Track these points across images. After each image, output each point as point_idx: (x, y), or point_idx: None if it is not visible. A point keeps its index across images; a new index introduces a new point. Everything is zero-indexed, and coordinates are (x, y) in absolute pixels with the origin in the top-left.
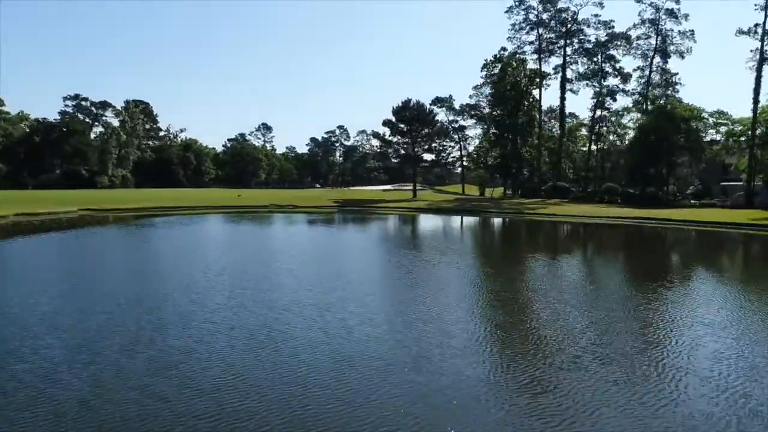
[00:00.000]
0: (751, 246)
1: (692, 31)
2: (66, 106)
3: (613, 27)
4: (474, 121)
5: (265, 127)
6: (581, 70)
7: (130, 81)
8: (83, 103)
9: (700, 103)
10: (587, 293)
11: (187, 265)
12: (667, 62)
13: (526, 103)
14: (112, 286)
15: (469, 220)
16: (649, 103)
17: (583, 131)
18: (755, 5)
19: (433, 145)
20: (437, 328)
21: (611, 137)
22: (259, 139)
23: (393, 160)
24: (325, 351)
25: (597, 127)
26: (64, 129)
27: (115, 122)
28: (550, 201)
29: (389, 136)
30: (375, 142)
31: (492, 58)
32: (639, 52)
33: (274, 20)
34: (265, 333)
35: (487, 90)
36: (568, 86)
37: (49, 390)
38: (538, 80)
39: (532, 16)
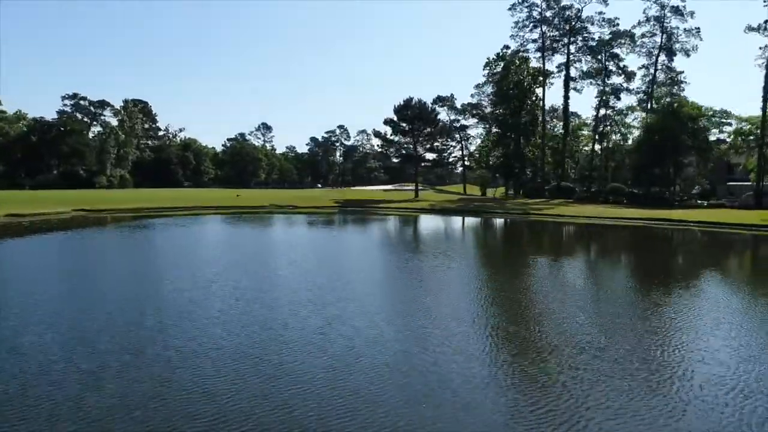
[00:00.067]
0: None
1: (698, 28)
2: (64, 105)
3: (617, 25)
4: (476, 120)
5: (265, 127)
6: (585, 68)
7: (130, 81)
8: (82, 102)
9: (701, 102)
10: (620, 304)
11: (174, 273)
12: (672, 60)
13: (529, 101)
14: (80, 299)
15: (476, 221)
16: (654, 102)
17: (585, 131)
18: (764, 1)
19: (435, 144)
20: (459, 350)
21: (615, 137)
22: (259, 138)
23: (394, 159)
24: (327, 383)
25: (601, 126)
26: (62, 128)
27: (114, 122)
28: (555, 201)
29: (391, 135)
30: (376, 142)
31: (495, 57)
32: (644, 50)
33: (274, 20)
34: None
35: (489, 89)
36: (571, 85)
37: None
38: (541, 79)
39: (535, 14)
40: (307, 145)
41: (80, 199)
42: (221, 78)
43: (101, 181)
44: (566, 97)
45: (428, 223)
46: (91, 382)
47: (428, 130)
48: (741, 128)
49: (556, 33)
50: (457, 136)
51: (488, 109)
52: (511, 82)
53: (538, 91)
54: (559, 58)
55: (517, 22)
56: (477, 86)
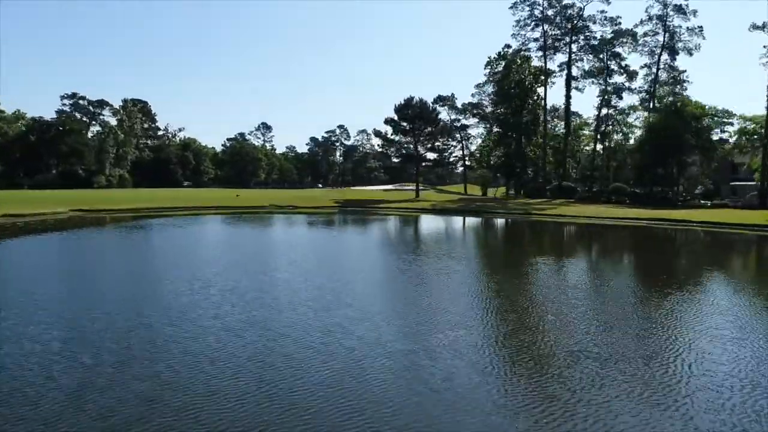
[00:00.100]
0: None
1: (701, 27)
2: (63, 105)
3: (619, 24)
4: (476, 119)
5: (265, 127)
6: (587, 67)
7: (129, 80)
8: (81, 102)
9: (702, 102)
10: (636, 310)
11: (170, 275)
12: (675, 59)
13: (530, 101)
14: (61, 306)
15: (478, 222)
16: (656, 101)
17: (586, 131)
18: None
19: (436, 144)
20: (469, 361)
21: (616, 136)
22: (259, 138)
23: (395, 159)
24: (330, 391)
25: (604, 126)
26: (61, 128)
27: (113, 121)
28: (556, 201)
29: (391, 134)
30: (376, 142)
31: (496, 56)
32: (646, 49)
33: (274, 20)
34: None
35: (490, 88)
36: (573, 84)
37: None
38: (543, 78)
39: (537, 12)
40: (307, 145)
41: (78, 199)
42: (221, 78)
43: (100, 180)
44: (568, 96)
45: (430, 223)
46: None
47: (429, 129)
48: (745, 127)
49: (558, 32)
50: (457, 135)
51: (489, 109)
52: (513, 81)
53: (540, 90)
54: (561, 57)
55: (518, 21)
56: (478, 86)
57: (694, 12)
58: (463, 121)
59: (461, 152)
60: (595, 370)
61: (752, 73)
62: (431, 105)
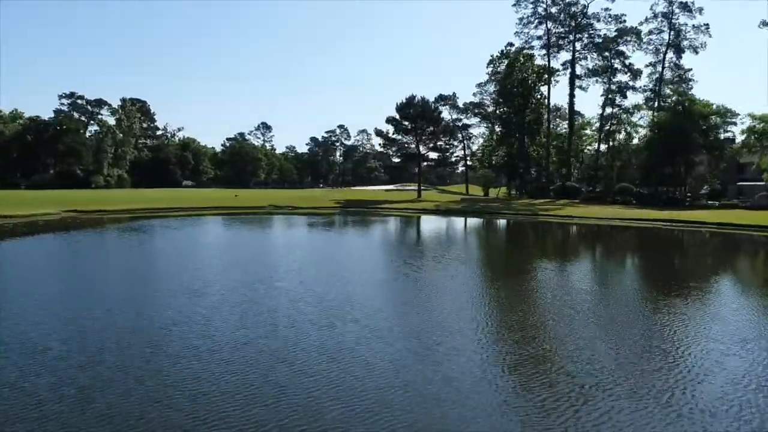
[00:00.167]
0: None
1: (707, 24)
2: (62, 104)
3: (624, 21)
4: (478, 119)
5: (265, 127)
6: (590, 66)
7: (129, 80)
8: (79, 101)
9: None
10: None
11: (154, 286)
12: (681, 58)
13: (533, 100)
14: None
15: (485, 223)
16: (661, 100)
17: (588, 131)
18: None
19: (439, 143)
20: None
21: (620, 136)
22: (259, 138)
23: (395, 159)
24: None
25: (609, 125)
26: (58, 127)
27: (112, 121)
28: (561, 202)
29: (393, 134)
30: (376, 141)
31: (498, 54)
32: (651, 47)
33: (274, 20)
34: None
35: (492, 87)
36: (577, 83)
37: None
38: (546, 76)
39: (540, 10)
40: (307, 144)
41: (73, 199)
42: (221, 78)
43: (98, 180)
44: (571, 95)
45: (435, 224)
46: None
47: (431, 128)
48: (754, 126)
49: (562, 29)
50: (459, 135)
51: (490, 108)
52: (516, 80)
53: (543, 89)
54: (564, 56)
55: (521, 19)
56: (479, 85)
57: (700, 9)
58: (465, 121)
59: (463, 152)
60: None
61: (752, 73)
62: (433, 104)
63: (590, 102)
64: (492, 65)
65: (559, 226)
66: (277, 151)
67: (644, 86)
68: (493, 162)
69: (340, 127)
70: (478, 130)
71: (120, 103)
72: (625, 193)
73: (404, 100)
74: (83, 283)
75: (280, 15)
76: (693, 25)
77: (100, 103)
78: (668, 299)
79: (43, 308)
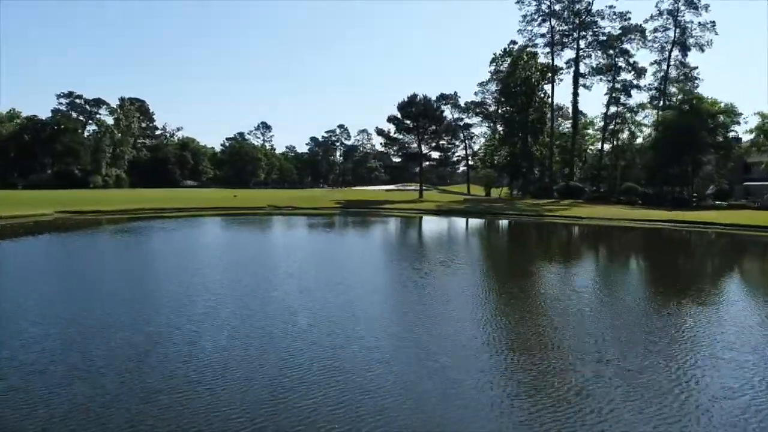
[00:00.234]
0: None
1: (713, 22)
2: (60, 103)
3: (629, 19)
4: (480, 119)
5: (265, 126)
6: (595, 64)
7: (128, 80)
8: (77, 101)
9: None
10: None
11: (137, 295)
12: (686, 56)
13: (536, 98)
14: None
15: (491, 224)
16: (666, 99)
17: (590, 131)
18: None
19: (441, 142)
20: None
21: (624, 135)
22: (258, 138)
23: (395, 159)
24: None
25: (613, 124)
26: (56, 127)
27: (110, 120)
28: (565, 202)
29: (394, 133)
30: (377, 141)
31: (501, 52)
32: (656, 45)
33: (274, 20)
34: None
35: (493, 86)
36: (581, 81)
37: None
38: (549, 75)
39: (544, 7)
40: (306, 144)
41: (69, 199)
42: (221, 77)
43: (96, 180)
44: (575, 94)
45: (438, 225)
46: None
47: (433, 127)
48: (764, 125)
49: (566, 27)
50: (461, 135)
51: (492, 108)
52: (519, 79)
53: (547, 87)
54: (568, 54)
55: (524, 16)
56: (481, 84)
57: (706, 7)
58: (466, 120)
59: (464, 152)
60: None
61: (752, 73)
62: (435, 102)
63: (594, 101)
64: (495, 63)
65: (567, 227)
66: (277, 151)
67: (649, 85)
68: (496, 162)
69: (340, 126)
70: (480, 130)
71: (118, 103)
72: (630, 193)
73: (406, 99)
74: (54, 293)
75: (280, 15)
76: (699, 23)
77: (98, 102)
78: (709, 308)
79: (43, 315)
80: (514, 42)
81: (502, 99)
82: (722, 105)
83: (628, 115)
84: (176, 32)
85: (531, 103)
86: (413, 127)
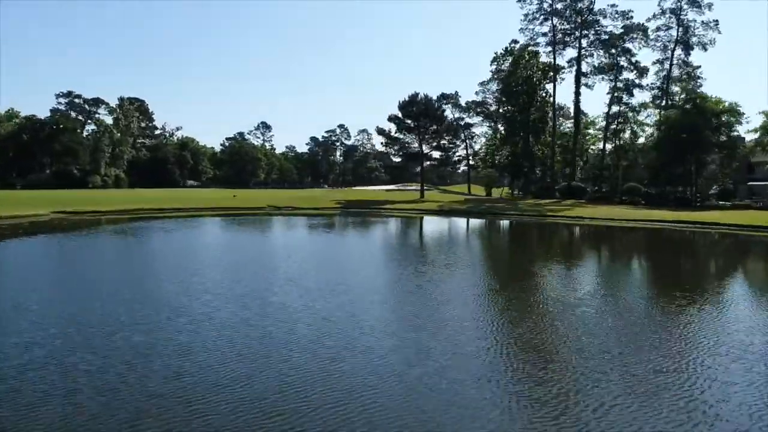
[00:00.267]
0: None
1: (716, 21)
2: (59, 103)
3: (631, 17)
4: (481, 118)
5: (264, 126)
6: (597, 63)
7: (128, 80)
8: (76, 100)
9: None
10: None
11: (127, 299)
12: (689, 55)
13: (538, 98)
14: None
15: (494, 225)
16: (668, 98)
17: (591, 131)
18: None
19: (442, 142)
20: None
21: (625, 134)
22: (258, 138)
23: (395, 159)
24: None
25: (616, 123)
26: (54, 126)
27: (109, 120)
28: (567, 202)
29: (395, 132)
30: (377, 141)
31: (503, 51)
32: (659, 44)
33: (274, 20)
34: None
35: (494, 86)
36: (582, 80)
37: None
38: (551, 74)
39: (546, 6)
40: (307, 144)
41: (67, 200)
42: (220, 77)
43: (95, 180)
44: (577, 93)
45: (441, 226)
46: None
47: (434, 127)
48: None
49: (568, 26)
50: (461, 134)
51: (493, 107)
52: (520, 78)
53: (548, 86)
54: (570, 53)
55: (526, 15)
56: (482, 83)
57: (709, 5)
58: (467, 120)
59: (465, 151)
60: None
61: (752, 73)
62: (436, 102)
63: (595, 100)
64: (496, 63)
65: (572, 227)
66: (277, 151)
67: (651, 84)
68: (497, 161)
69: (340, 126)
70: (481, 129)
71: (118, 102)
72: (633, 193)
73: (407, 98)
74: (36, 300)
75: (280, 15)
76: (702, 21)
77: (97, 102)
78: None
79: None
80: (515, 41)
81: (503, 98)
82: (726, 104)
83: (630, 114)
84: (176, 32)
85: (533, 102)
86: (414, 126)
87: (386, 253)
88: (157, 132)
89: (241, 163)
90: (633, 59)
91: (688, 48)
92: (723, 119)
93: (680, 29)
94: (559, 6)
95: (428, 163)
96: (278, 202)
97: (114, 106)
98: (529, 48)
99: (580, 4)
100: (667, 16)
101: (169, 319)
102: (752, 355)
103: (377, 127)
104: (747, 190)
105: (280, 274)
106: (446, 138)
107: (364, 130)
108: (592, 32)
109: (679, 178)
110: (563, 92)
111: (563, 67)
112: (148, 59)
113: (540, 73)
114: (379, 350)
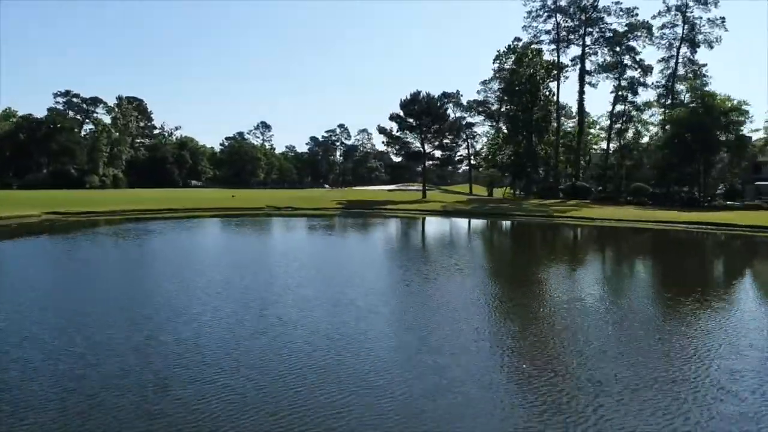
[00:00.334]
0: None
1: (722, 18)
2: (57, 102)
3: (636, 14)
4: (482, 117)
5: (264, 126)
6: (601, 61)
7: (128, 80)
8: (74, 99)
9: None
10: None
11: (107, 311)
12: (695, 52)
13: (542, 96)
14: None
15: (501, 226)
16: (673, 97)
17: (593, 130)
18: None
19: (444, 141)
20: None
21: (629, 134)
22: (258, 138)
23: (396, 158)
24: None
25: (621, 122)
26: (51, 126)
27: (107, 119)
28: (571, 202)
29: (397, 131)
30: (377, 141)
31: (505, 49)
32: (664, 42)
33: (274, 20)
34: None
35: (496, 85)
36: (586, 79)
37: None
38: (555, 72)
39: (549, 3)
40: (306, 144)
41: (62, 200)
42: (220, 77)
43: (93, 180)
44: (581, 92)
45: (446, 228)
46: None
47: (436, 126)
48: None
49: (571, 24)
50: (463, 134)
51: (495, 106)
52: (523, 76)
53: (552, 85)
54: (574, 51)
55: (530, 12)
56: (483, 82)
57: (716, 2)
58: (468, 119)
59: (466, 151)
60: None
61: (752, 73)
62: (439, 100)
63: (598, 100)
64: (498, 61)
65: (584, 229)
66: (277, 151)
67: (656, 82)
68: (499, 161)
69: (341, 126)
70: (482, 129)
71: (116, 102)
72: (639, 193)
73: (409, 96)
74: (37, 305)
75: (280, 15)
76: (708, 19)
77: (95, 101)
78: None
79: None
80: (518, 39)
81: (506, 97)
82: (735, 102)
83: (635, 113)
84: (176, 32)
85: (536, 101)
86: (416, 125)
87: (388, 256)
88: (156, 132)
89: (240, 163)
90: (637, 57)
91: (694, 46)
92: (732, 118)
93: (686, 27)
94: (563, 3)
95: (430, 162)
96: (278, 203)
97: (112, 106)
98: (533, 46)
99: (584, 1)
100: (672, 13)
101: (136, 349)
102: None
103: (378, 125)
104: (754, 189)
105: (277, 283)
106: (448, 137)
107: (364, 130)
108: (597, 30)
109: (686, 177)
110: (566, 91)
111: (567, 66)
112: (148, 59)
113: (543, 71)
114: (399, 385)
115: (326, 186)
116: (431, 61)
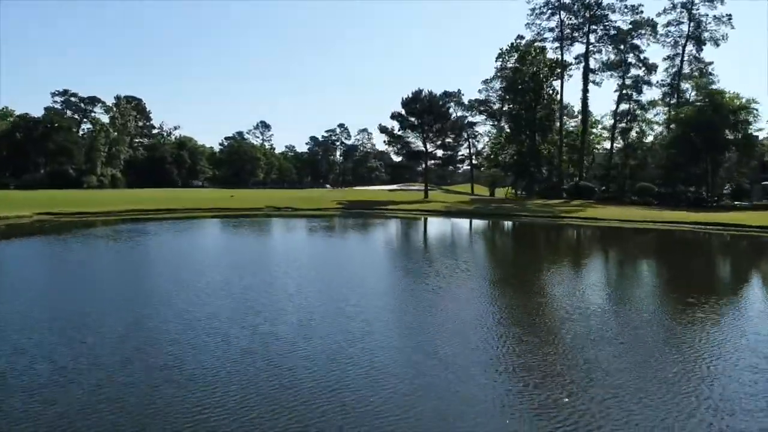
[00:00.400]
0: None
1: (729, 15)
2: (54, 102)
3: (641, 12)
4: (484, 117)
5: (264, 126)
6: (605, 59)
7: (127, 80)
8: (72, 99)
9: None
10: None
11: (88, 323)
12: (701, 50)
13: (545, 95)
14: None
15: (506, 227)
16: (679, 95)
17: (595, 130)
18: None
19: (447, 140)
20: None
21: (633, 133)
22: (258, 137)
23: (396, 158)
24: None
25: (625, 121)
26: (48, 125)
27: (105, 119)
28: (575, 202)
29: (398, 130)
30: (378, 140)
31: (508, 47)
32: (669, 39)
33: (274, 20)
34: None
35: (498, 84)
36: (590, 77)
37: None
38: (558, 70)
39: (553, 0)
40: (306, 144)
41: (57, 200)
42: (220, 77)
43: (91, 180)
44: (585, 90)
45: (450, 229)
46: None
47: (438, 125)
48: None
49: (575, 21)
50: (464, 133)
51: (497, 106)
52: (527, 74)
53: (555, 83)
54: (578, 49)
55: (533, 9)
56: (485, 81)
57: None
58: (470, 119)
59: (468, 150)
60: None
61: (752, 73)
62: (441, 98)
63: (602, 99)
64: (501, 59)
65: (593, 229)
66: (277, 151)
67: (661, 81)
68: (501, 160)
69: (341, 126)
70: (484, 128)
71: (114, 101)
72: (645, 193)
73: (411, 95)
74: (15, 312)
75: (280, 15)
76: (714, 16)
77: (93, 100)
78: None
79: None
80: (521, 36)
81: (508, 96)
82: (744, 100)
83: (639, 112)
84: (175, 32)
85: (539, 99)
86: (418, 124)
87: (392, 260)
88: (155, 131)
89: (239, 163)
90: (642, 56)
91: (699, 43)
92: (740, 116)
93: (692, 24)
94: (566, 0)
95: (431, 162)
96: (277, 203)
97: (110, 105)
98: (536, 44)
99: None
100: (678, 10)
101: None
102: None
103: (380, 124)
104: (761, 189)
105: (274, 292)
106: (450, 136)
107: (364, 130)
108: (601, 27)
109: (693, 177)
110: (569, 90)
111: (570, 64)
112: (147, 59)
113: (547, 69)
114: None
115: (327, 186)
116: (431, 61)
